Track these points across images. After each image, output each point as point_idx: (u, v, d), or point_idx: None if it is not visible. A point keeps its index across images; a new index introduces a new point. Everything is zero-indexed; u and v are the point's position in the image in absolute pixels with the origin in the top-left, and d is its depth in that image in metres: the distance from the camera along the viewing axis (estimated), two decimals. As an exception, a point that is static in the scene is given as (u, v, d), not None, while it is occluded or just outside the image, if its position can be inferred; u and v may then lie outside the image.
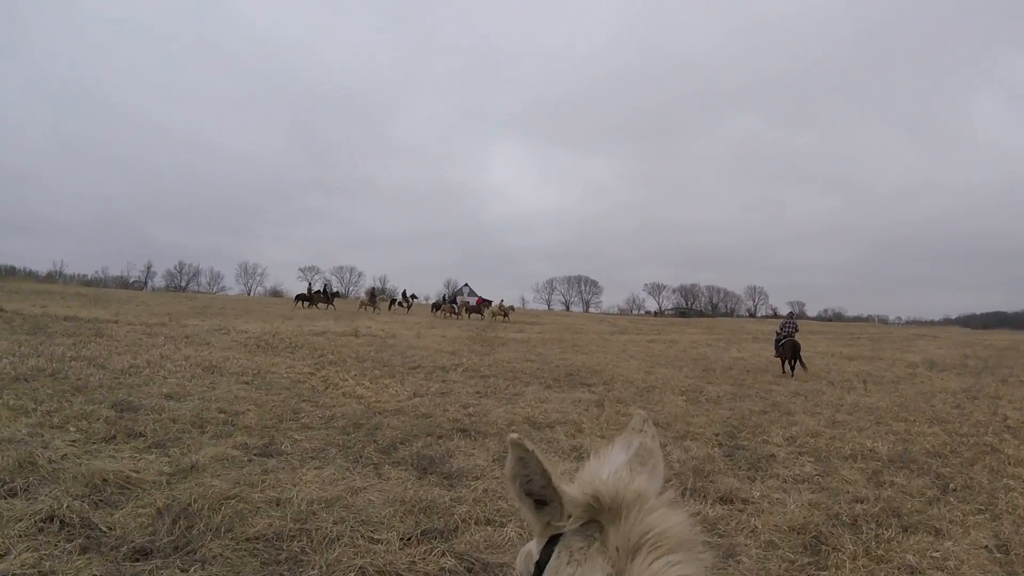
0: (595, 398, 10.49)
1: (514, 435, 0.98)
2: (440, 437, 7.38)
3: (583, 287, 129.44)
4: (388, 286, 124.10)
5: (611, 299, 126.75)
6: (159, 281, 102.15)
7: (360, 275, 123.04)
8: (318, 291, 39.08)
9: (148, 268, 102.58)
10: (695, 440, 7.81)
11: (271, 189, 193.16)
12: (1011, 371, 18.65)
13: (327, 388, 9.84)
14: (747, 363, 18.66)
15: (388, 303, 40.32)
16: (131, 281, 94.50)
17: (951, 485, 6.44)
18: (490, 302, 42.27)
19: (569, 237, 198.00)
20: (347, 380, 10.61)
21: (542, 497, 0.99)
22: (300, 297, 38.37)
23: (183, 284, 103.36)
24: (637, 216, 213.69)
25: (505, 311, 38.66)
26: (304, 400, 8.80)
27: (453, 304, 39.28)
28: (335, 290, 42.79)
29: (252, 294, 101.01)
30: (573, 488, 0.96)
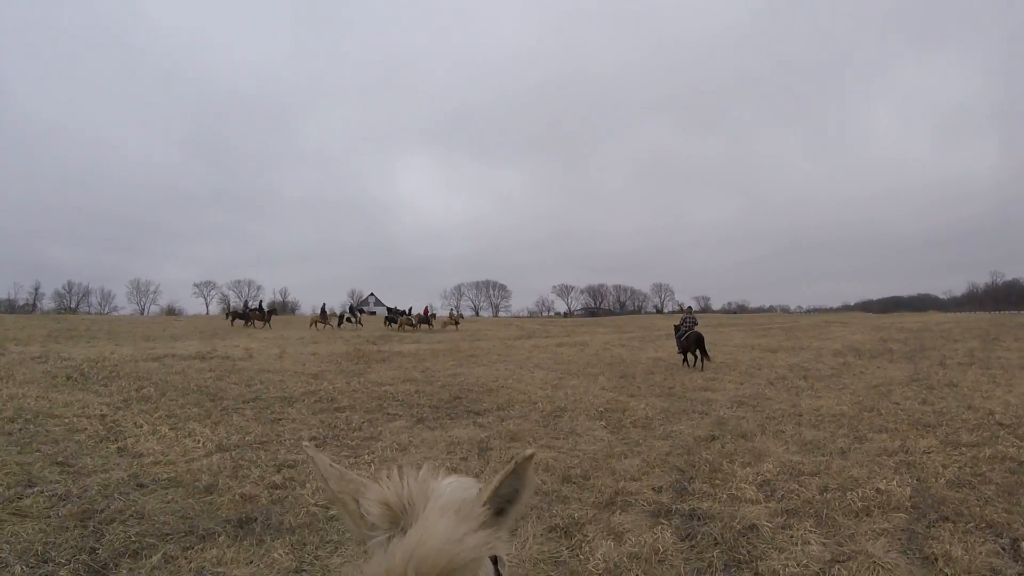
0: (481, 435, 7.38)
1: (306, 443, 1.12)
2: (204, 538, 4.17)
3: (492, 292, 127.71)
4: (289, 299, 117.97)
5: (521, 303, 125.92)
6: (48, 303, 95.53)
7: (259, 288, 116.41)
8: (254, 308, 36.47)
9: (36, 289, 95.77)
10: (628, 509, 4.86)
11: (170, 202, 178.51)
12: (940, 352, 17.72)
13: (102, 441, 6.82)
14: (668, 363, 16.26)
15: (338, 319, 37.25)
16: (20, 304, 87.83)
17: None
18: (434, 314, 41.05)
19: (481, 247, 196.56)
20: (141, 425, 7.53)
21: (356, 500, 0.95)
22: (234, 315, 35.73)
23: (73, 305, 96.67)
24: (548, 225, 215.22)
25: (456, 319, 39.10)
26: (55, 463, 5.91)
27: (408, 316, 37.13)
28: (272, 307, 40.12)
29: (146, 313, 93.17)
30: (367, 501, 0.93)
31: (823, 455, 6.67)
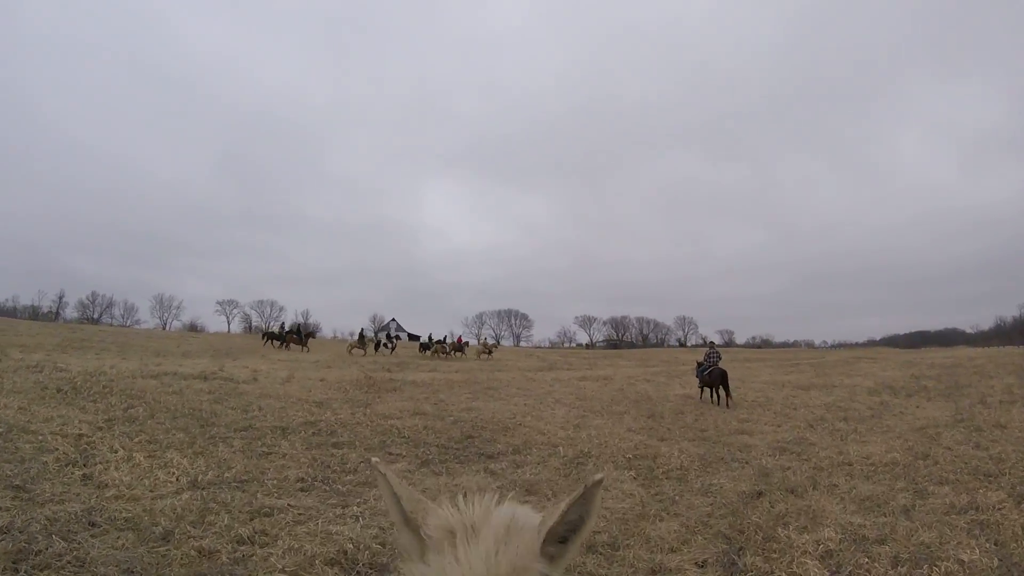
0: (493, 484, 6.55)
1: (374, 459, 1.09)
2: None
3: (513, 321, 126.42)
4: (311, 320, 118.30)
5: (542, 332, 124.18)
6: (71, 312, 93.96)
7: (281, 309, 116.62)
8: (290, 331, 35.00)
9: (60, 298, 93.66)
10: (671, 588, 4.00)
11: (197, 219, 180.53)
12: (977, 390, 16.45)
13: (68, 466, 6.18)
14: (695, 401, 15.28)
15: (374, 345, 36.08)
16: (44, 311, 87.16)
17: None
18: (468, 343, 41.17)
19: (503, 274, 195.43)
20: (116, 450, 6.86)
21: (417, 524, 0.96)
22: (269, 335, 34.71)
23: (96, 315, 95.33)
24: (570, 254, 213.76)
25: (489, 348, 38.22)
26: (11, 486, 5.29)
27: (443, 344, 36.65)
28: (310, 330, 39.01)
29: (167, 328, 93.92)
30: (429, 526, 0.94)
31: (885, 515, 5.83)
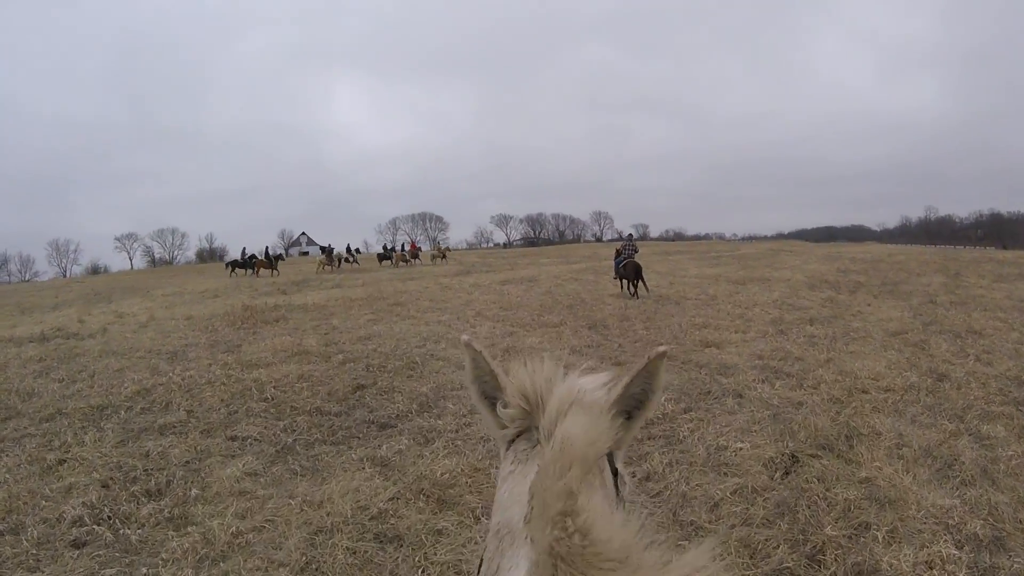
0: (381, 491, 3.98)
1: (465, 336, 1.02)
2: None
3: (429, 224, 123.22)
4: (216, 245, 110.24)
5: (459, 234, 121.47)
6: None
7: (184, 236, 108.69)
8: (252, 256, 33.29)
9: None
10: None
11: (89, 152, 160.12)
12: (914, 288, 15.64)
13: None
14: (642, 304, 13.21)
15: (338, 261, 34.89)
16: None
17: None
18: (420, 248, 41.98)
19: (418, 177, 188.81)
20: None
21: (495, 397, 0.98)
22: (233, 264, 32.72)
23: None
24: (486, 153, 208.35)
25: (443, 252, 38.73)
26: None
27: (404, 252, 37.32)
28: (278, 253, 35.83)
29: (68, 275, 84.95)
30: (508, 389, 0.93)
31: (966, 483, 3.85)
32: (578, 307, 12.83)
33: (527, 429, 0.90)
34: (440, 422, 5.15)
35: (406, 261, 35.92)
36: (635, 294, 14.67)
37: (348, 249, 39.47)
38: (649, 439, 4.74)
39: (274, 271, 31.18)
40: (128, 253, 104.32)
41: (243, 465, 4.58)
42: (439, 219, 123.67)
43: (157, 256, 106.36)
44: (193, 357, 8.72)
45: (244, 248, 35.09)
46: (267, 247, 35.96)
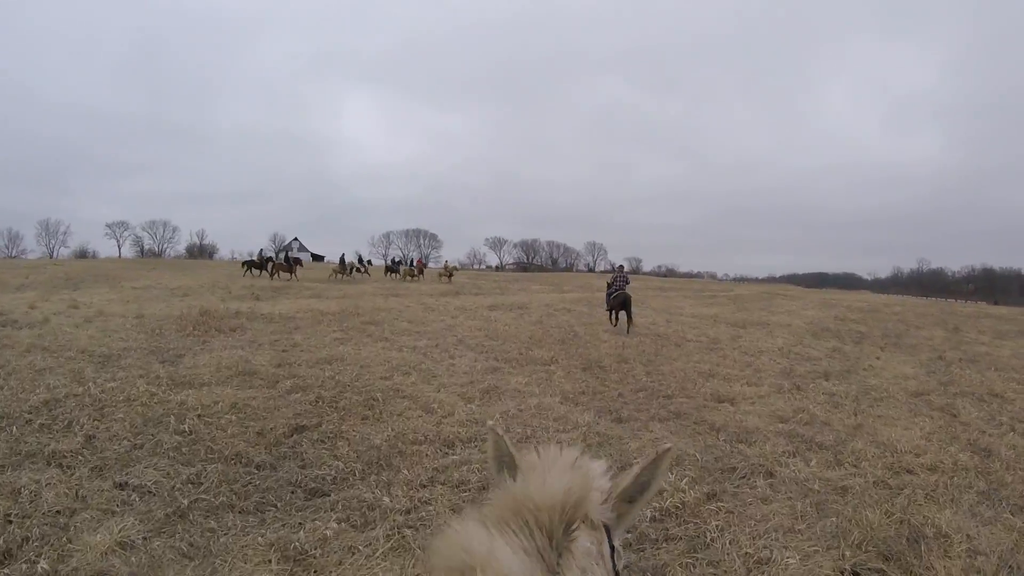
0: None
1: (491, 422, 1.15)
2: None
3: (422, 240, 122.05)
4: (206, 242, 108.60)
5: (451, 253, 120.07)
6: None
7: (175, 230, 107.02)
8: (269, 257, 32.73)
9: None
10: None
11: (96, 141, 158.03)
12: (919, 342, 15.07)
13: None
14: (641, 344, 12.05)
15: (350, 270, 34.79)
16: None
17: None
18: (427, 265, 42.46)
19: (420, 192, 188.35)
20: None
21: (513, 474, 1.00)
22: (249, 264, 31.75)
23: None
24: (490, 173, 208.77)
25: (450, 271, 37.83)
26: None
27: (411, 267, 37.51)
28: (297, 257, 35.31)
29: (55, 256, 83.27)
30: (525, 459, 0.98)
31: None
32: (571, 342, 11.66)
33: None
34: (387, 496, 3.89)
35: (412, 276, 35.98)
36: (623, 325, 14.40)
37: (360, 259, 39.21)
38: (667, 540, 3.55)
39: (293, 275, 30.39)
40: (117, 241, 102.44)
41: (119, 531, 3.36)
42: (433, 236, 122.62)
43: (146, 247, 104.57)
44: (125, 365, 7.53)
45: (261, 249, 34.94)
46: (286, 252, 36.26)
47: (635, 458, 4.83)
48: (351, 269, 34.66)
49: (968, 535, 3.83)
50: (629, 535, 4.57)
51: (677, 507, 3.96)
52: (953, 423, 6.90)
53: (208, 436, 4.98)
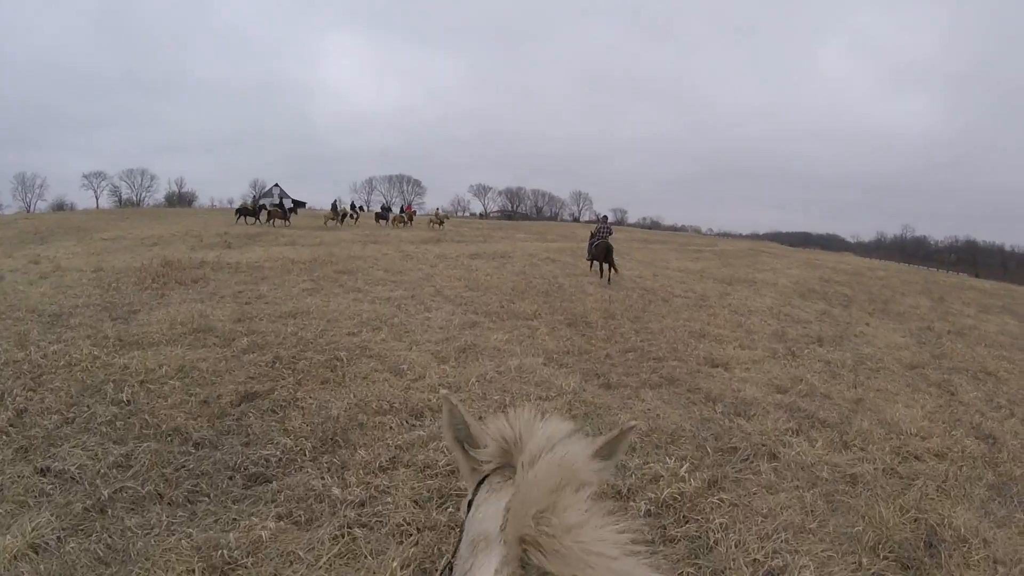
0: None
1: (444, 391, 1.41)
2: None
3: (405, 187, 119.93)
4: (185, 190, 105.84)
5: (435, 200, 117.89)
6: None
7: (153, 179, 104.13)
8: (263, 205, 32.45)
9: None
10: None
11: (74, 86, 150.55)
12: (904, 309, 14.69)
13: None
14: (630, 298, 11.54)
15: (343, 216, 34.22)
16: None
17: None
18: (415, 212, 40.71)
19: (405, 140, 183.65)
20: None
21: (468, 442, 1.04)
22: (242, 212, 31.04)
23: None
24: (477, 121, 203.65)
25: (441, 219, 36.30)
26: None
27: (402, 214, 36.69)
28: (291, 205, 35.29)
29: (32, 210, 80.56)
30: (487, 434, 0.99)
31: None
32: (555, 294, 11.12)
33: (502, 466, 0.97)
34: (338, 486, 3.34)
35: (403, 223, 35.14)
36: (607, 278, 14.12)
37: (352, 205, 38.80)
38: (665, 542, 3.07)
39: (287, 222, 30.03)
40: (95, 192, 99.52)
41: (32, 530, 2.82)
42: (417, 183, 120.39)
43: (124, 197, 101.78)
44: (73, 324, 6.87)
45: (255, 196, 34.35)
46: (281, 199, 36.08)
47: (635, 476, 4.40)
48: (344, 216, 34.16)
49: (985, 539, 3.47)
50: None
51: (675, 498, 3.49)
52: (952, 402, 6.60)
53: (147, 407, 4.40)
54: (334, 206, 34.42)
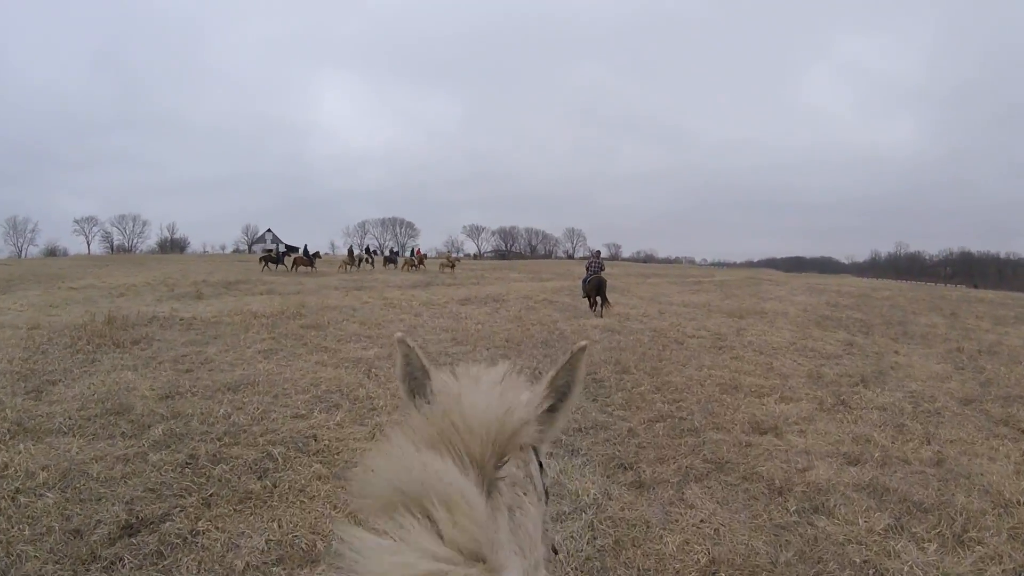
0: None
1: (399, 333, 1.02)
2: None
3: (398, 229, 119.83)
4: (177, 235, 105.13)
5: (429, 241, 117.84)
6: None
7: (145, 224, 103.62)
8: (285, 251, 33.63)
9: None
10: None
11: (69, 127, 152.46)
12: (922, 330, 14.08)
13: None
14: (647, 348, 10.20)
15: (359, 262, 35.26)
16: None
17: None
18: (425, 255, 40.04)
19: (397, 181, 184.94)
20: None
21: (425, 394, 0.92)
22: (266, 259, 31.51)
23: None
24: (470, 161, 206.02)
25: (452, 262, 36.44)
26: None
27: (411, 259, 36.47)
28: (316, 251, 35.77)
29: (23, 255, 79.69)
30: (437, 381, 0.89)
31: None
32: (556, 344, 9.77)
33: None
34: None
35: (414, 266, 35.18)
36: (598, 311, 14.38)
37: (367, 250, 41.62)
38: None
39: (312, 268, 30.78)
40: (86, 237, 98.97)
41: None
42: (410, 225, 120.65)
43: (116, 242, 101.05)
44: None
45: (277, 244, 34.22)
46: (305, 245, 35.38)
47: (677, 570, 2.99)
48: (359, 261, 35.21)
49: None
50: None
51: None
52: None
53: (4, 535, 3.05)
54: (351, 252, 35.54)
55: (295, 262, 30.46)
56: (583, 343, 0.97)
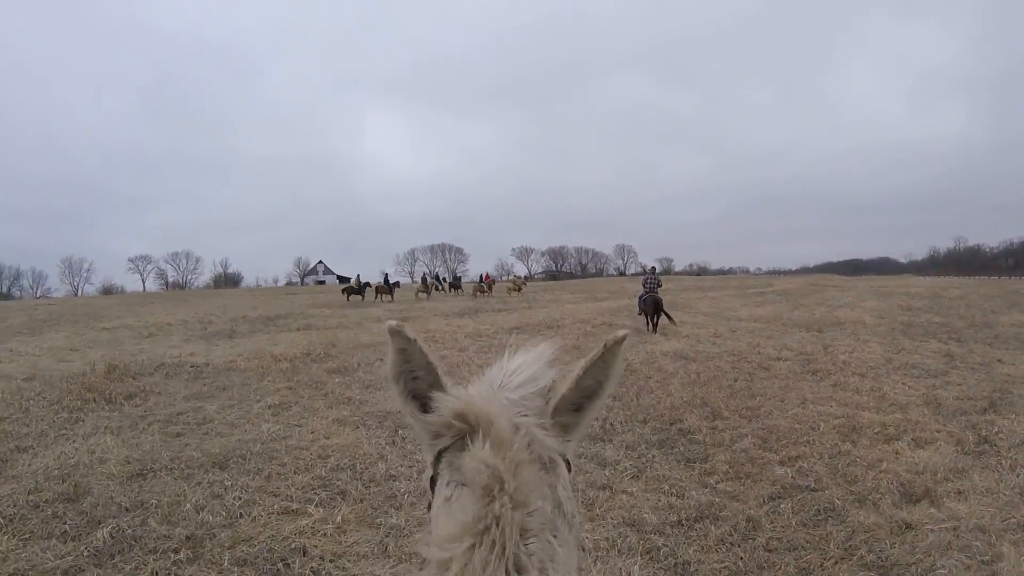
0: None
1: (393, 322, 0.83)
2: None
3: (448, 255, 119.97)
4: (231, 271, 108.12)
5: (479, 266, 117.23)
6: None
7: (198, 260, 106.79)
8: (366, 282, 33.13)
9: None
10: None
11: (123, 168, 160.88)
12: (1007, 330, 13.35)
13: None
14: (743, 376, 8.62)
15: (431, 289, 36.23)
16: None
17: None
18: (494, 280, 40.91)
19: (444, 205, 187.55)
20: None
21: (427, 399, 0.81)
22: (348, 291, 31.81)
23: (4, 289, 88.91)
24: (513, 181, 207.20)
25: (519, 285, 37.37)
26: None
27: (481, 284, 36.66)
28: (396, 280, 36.85)
29: (80, 294, 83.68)
30: (445, 401, 0.77)
31: None
32: (624, 380, 8.28)
33: (462, 438, 0.75)
34: None
35: (483, 292, 35.03)
36: (654, 329, 14.09)
37: (437, 277, 41.90)
38: None
39: (391, 297, 31.97)
40: (141, 275, 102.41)
41: None
42: (459, 250, 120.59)
43: (171, 279, 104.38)
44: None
45: (358, 275, 34.61)
46: (386, 274, 36.14)
47: None
48: (432, 288, 36.08)
49: None
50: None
51: None
52: None
53: None
54: (424, 279, 37.02)
55: (377, 291, 31.69)
56: (622, 332, 0.82)
